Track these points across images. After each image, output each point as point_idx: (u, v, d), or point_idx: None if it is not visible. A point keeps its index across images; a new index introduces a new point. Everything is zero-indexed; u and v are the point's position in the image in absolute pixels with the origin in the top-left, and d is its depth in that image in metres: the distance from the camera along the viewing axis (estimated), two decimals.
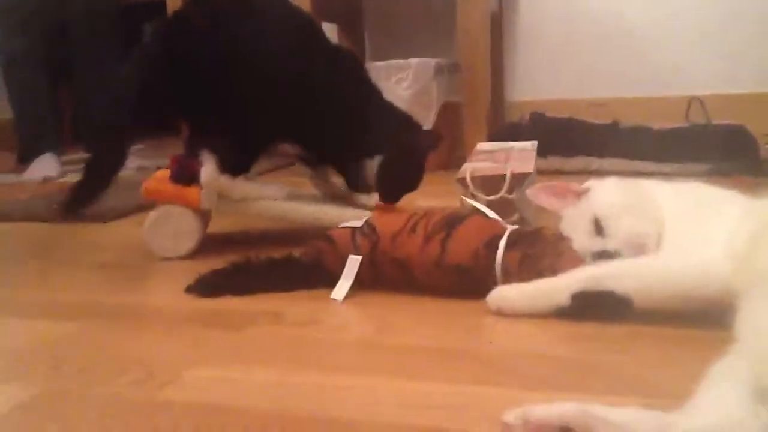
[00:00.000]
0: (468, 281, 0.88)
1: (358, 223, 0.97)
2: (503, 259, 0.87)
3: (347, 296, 0.92)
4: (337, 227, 1.00)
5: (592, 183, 0.95)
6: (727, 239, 0.75)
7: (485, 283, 0.86)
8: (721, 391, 0.50)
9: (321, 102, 1.20)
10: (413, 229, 0.92)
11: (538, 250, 0.86)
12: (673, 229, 0.84)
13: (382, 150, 1.25)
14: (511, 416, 0.53)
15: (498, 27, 2.42)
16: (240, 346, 0.79)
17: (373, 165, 1.26)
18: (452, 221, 0.92)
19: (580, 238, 0.88)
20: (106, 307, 0.97)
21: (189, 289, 0.98)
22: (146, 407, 0.64)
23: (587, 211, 0.90)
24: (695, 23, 2.32)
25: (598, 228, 0.87)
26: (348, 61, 1.31)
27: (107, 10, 2.55)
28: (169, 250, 1.18)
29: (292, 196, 1.26)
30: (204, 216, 1.24)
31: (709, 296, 0.73)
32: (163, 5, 2.24)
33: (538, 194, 0.98)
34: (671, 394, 0.54)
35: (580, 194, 0.94)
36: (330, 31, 2.45)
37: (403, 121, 1.31)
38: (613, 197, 0.91)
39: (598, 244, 0.86)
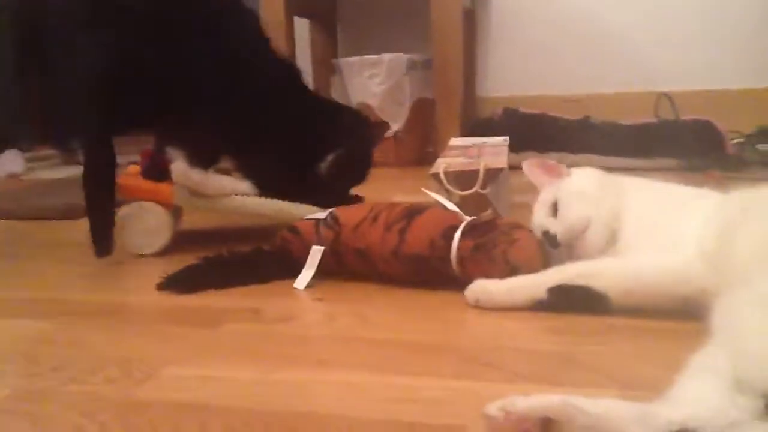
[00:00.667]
0: (425, 270, 0.91)
1: (323, 215, 0.99)
2: (458, 248, 0.88)
3: (326, 291, 0.92)
4: (303, 219, 1.02)
5: (575, 170, 0.96)
6: (699, 236, 0.76)
7: (442, 272, 0.89)
8: (700, 381, 0.51)
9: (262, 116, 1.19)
10: (375, 219, 0.95)
11: (491, 239, 0.88)
12: (646, 226, 0.85)
13: (332, 150, 1.25)
14: (493, 409, 0.53)
15: (471, 23, 2.43)
16: (218, 343, 0.78)
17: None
18: (412, 212, 0.94)
19: (538, 215, 0.92)
20: (79, 305, 0.96)
21: (160, 287, 0.97)
22: (123, 406, 0.63)
23: (552, 193, 0.92)
24: (666, 21, 2.36)
25: (554, 209, 0.90)
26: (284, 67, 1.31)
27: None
28: (142, 247, 1.17)
29: None
30: (176, 212, 1.23)
31: (683, 296, 0.75)
32: None
33: (532, 168, 0.98)
34: (650, 386, 0.54)
35: (562, 176, 0.95)
36: (303, 26, 2.44)
37: (350, 116, 1.32)
38: (577, 185, 0.92)
39: (546, 224, 0.89)
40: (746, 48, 2.31)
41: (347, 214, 0.98)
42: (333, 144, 1.26)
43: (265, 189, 1.20)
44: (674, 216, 0.83)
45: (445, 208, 0.98)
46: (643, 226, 0.85)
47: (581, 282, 0.79)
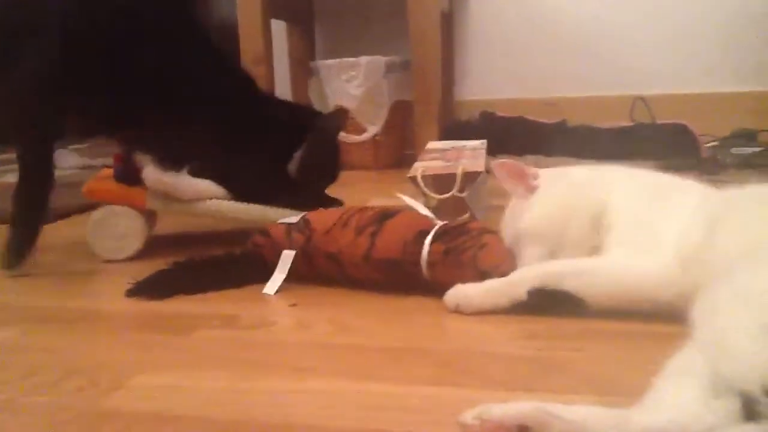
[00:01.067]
0: (396, 274, 0.90)
1: (295, 219, 0.99)
2: (429, 253, 0.88)
3: (301, 297, 0.91)
4: (276, 223, 1.01)
5: (544, 176, 0.94)
6: (680, 236, 0.76)
7: (412, 276, 0.89)
8: (677, 385, 0.50)
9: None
10: (346, 223, 0.94)
11: (461, 243, 0.87)
12: (630, 222, 0.85)
13: (297, 147, 1.23)
14: (468, 417, 0.53)
15: (449, 26, 2.43)
16: (190, 350, 0.77)
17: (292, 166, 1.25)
18: (384, 216, 0.94)
19: (506, 236, 0.93)
20: (48, 312, 0.93)
21: (130, 293, 0.96)
22: (91, 416, 0.61)
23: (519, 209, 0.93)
24: (642, 26, 2.37)
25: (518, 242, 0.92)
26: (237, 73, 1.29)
27: None
28: (113, 252, 1.15)
29: None
30: (150, 216, 1.21)
31: (661, 300, 0.74)
32: None
33: (501, 170, 0.96)
34: (626, 391, 0.54)
35: (530, 188, 0.93)
36: (280, 28, 2.42)
37: (306, 113, 1.31)
38: (534, 213, 0.91)
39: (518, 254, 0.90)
40: (722, 52, 2.34)
41: (319, 218, 0.98)
42: (297, 142, 1.24)
43: (237, 193, 1.18)
44: (657, 212, 0.83)
45: (417, 212, 0.98)
46: (626, 221, 0.84)
47: (560, 284, 0.79)
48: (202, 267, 1.01)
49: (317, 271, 0.96)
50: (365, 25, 2.51)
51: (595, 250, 0.84)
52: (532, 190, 0.93)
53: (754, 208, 0.74)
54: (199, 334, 0.81)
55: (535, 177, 0.94)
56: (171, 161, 1.13)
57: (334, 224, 0.94)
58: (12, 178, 1.15)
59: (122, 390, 0.66)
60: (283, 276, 0.94)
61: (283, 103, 1.35)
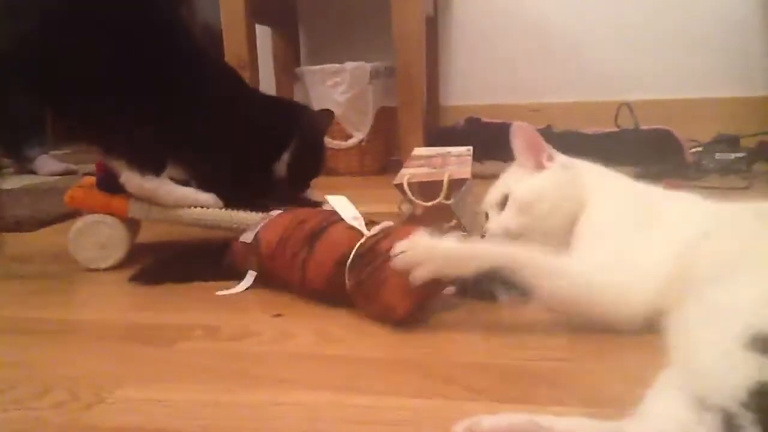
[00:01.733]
0: (330, 298, 0.90)
1: (251, 237, 0.99)
2: (347, 283, 0.86)
3: (285, 307, 0.90)
4: (237, 240, 1.02)
5: (558, 160, 0.93)
6: (659, 257, 0.75)
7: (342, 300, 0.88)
8: (668, 398, 0.50)
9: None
10: (284, 246, 0.94)
11: (368, 275, 0.83)
12: (604, 227, 0.84)
13: (287, 147, 1.23)
14: (459, 429, 0.52)
15: (433, 31, 2.43)
16: (172, 362, 0.75)
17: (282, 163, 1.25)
18: (313, 236, 0.92)
19: (491, 196, 0.96)
20: (26, 323, 0.91)
21: (134, 278, 1.04)
22: None
23: (507, 186, 0.94)
24: (627, 31, 2.39)
25: (503, 203, 0.93)
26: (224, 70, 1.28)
27: None
28: (95, 261, 1.13)
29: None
30: (133, 225, 1.19)
31: (615, 318, 0.74)
32: None
33: (518, 132, 0.95)
34: (615, 402, 0.53)
35: (540, 166, 0.93)
36: (265, 34, 2.41)
37: (293, 109, 1.30)
38: (535, 188, 0.91)
39: (491, 216, 0.95)
40: (705, 58, 2.35)
41: (266, 240, 0.97)
42: (285, 140, 1.24)
43: (222, 195, 1.17)
44: (636, 227, 0.82)
45: (344, 225, 0.92)
46: (603, 230, 0.83)
47: (518, 272, 0.75)
48: (195, 257, 1.07)
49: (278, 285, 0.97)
50: (350, 31, 2.50)
51: (564, 242, 0.84)
52: (540, 168, 0.93)
53: (733, 230, 0.74)
54: (181, 346, 0.80)
55: (550, 158, 0.93)
56: (149, 166, 1.11)
57: (276, 248, 0.95)
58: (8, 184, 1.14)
59: (103, 404, 0.65)
60: (242, 289, 0.98)
61: (270, 100, 1.34)
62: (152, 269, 1.07)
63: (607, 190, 0.90)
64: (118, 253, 1.14)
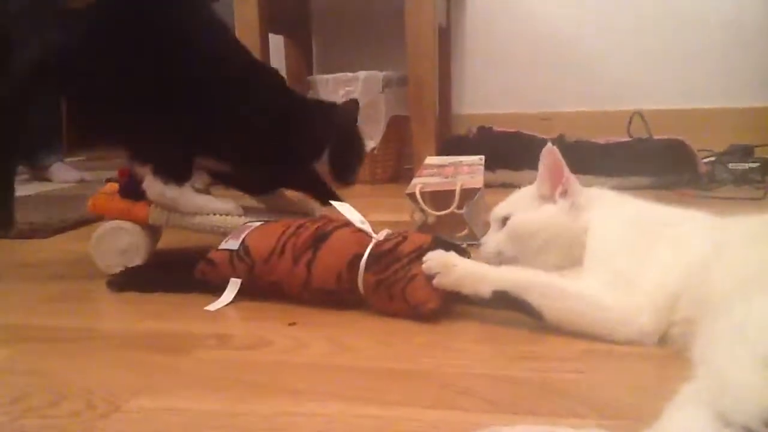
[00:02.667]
0: (336, 300, 0.92)
1: (236, 245, 0.97)
2: (363, 283, 0.89)
3: (299, 315, 0.90)
4: (218, 249, 1.00)
5: (576, 200, 0.92)
6: (661, 278, 0.75)
7: (353, 300, 0.90)
8: (688, 412, 0.50)
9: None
10: (282, 251, 0.94)
11: (392, 274, 0.87)
12: (609, 251, 0.84)
13: (327, 144, 1.24)
14: None
15: (446, 41, 2.44)
16: (186, 372, 0.76)
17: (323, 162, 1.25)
18: (318, 239, 0.93)
19: (498, 210, 0.99)
20: (42, 331, 0.92)
21: (111, 285, 1.04)
22: None
23: (509, 209, 0.97)
24: (638, 41, 2.38)
25: (504, 222, 0.96)
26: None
27: None
28: (116, 267, 1.13)
29: (247, 210, 1.22)
30: (153, 231, 1.20)
31: (618, 339, 0.75)
32: None
33: (546, 156, 0.95)
34: (629, 414, 0.53)
35: (551, 198, 0.94)
36: (278, 43, 2.42)
37: (325, 107, 1.31)
38: (531, 224, 0.93)
39: (489, 232, 0.99)
40: (719, 68, 2.35)
41: (258, 245, 0.97)
42: (325, 139, 1.25)
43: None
44: (641, 248, 0.81)
45: (353, 228, 0.95)
46: (606, 253, 0.84)
47: (525, 296, 0.79)
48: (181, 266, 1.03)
49: (265, 292, 0.96)
50: (363, 40, 2.51)
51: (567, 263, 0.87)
52: (550, 200, 0.93)
53: (749, 242, 0.73)
54: (195, 355, 0.80)
55: (564, 194, 0.93)
56: (173, 174, 1.12)
57: (272, 252, 0.94)
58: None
59: (118, 414, 0.65)
60: (230, 299, 0.96)
61: (303, 100, 1.34)
62: (129, 276, 1.08)
63: (612, 215, 0.89)
64: (137, 259, 1.14)
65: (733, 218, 0.80)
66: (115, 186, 1.19)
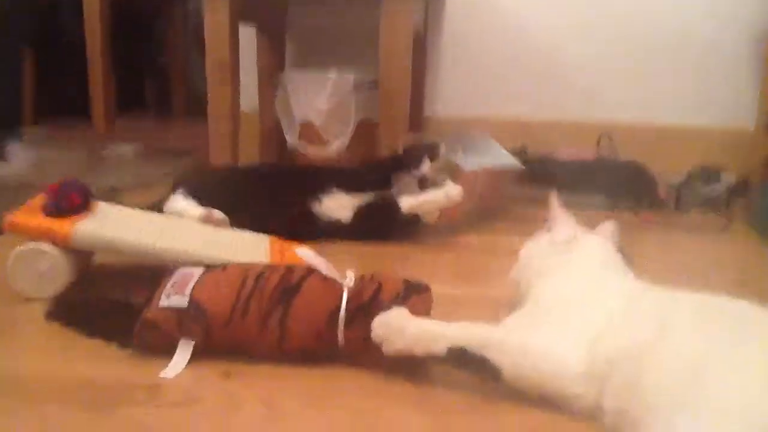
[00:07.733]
0: (314, 357, 0.87)
1: (183, 301, 0.86)
2: (346, 339, 0.84)
3: (234, 363, 0.86)
4: (156, 308, 0.87)
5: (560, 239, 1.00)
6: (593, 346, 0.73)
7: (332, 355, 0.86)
8: None
9: None
10: (246, 309, 0.85)
11: None
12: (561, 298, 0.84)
13: None
14: None
15: (422, 46, 2.39)
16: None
17: None
18: (286, 292, 0.87)
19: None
20: None
21: (49, 316, 0.96)
22: None
23: None
24: (613, 53, 2.36)
25: None
26: None
27: None
28: (34, 292, 1.06)
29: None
30: (79, 254, 1.12)
31: (570, 397, 0.72)
32: None
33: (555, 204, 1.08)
34: None
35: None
36: (248, 33, 2.35)
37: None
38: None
39: None
40: (691, 86, 2.34)
41: (212, 301, 0.86)
42: None
43: None
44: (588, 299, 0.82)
45: (321, 277, 0.90)
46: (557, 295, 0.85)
47: (482, 353, 0.75)
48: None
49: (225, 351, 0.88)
50: (337, 40, 2.46)
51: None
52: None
53: (693, 330, 0.70)
54: (120, 412, 0.76)
55: (548, 229, 1.04)
56: None
57: (233, 311, 0.85)
58: None
59: None
60: (185, 361, 0.85)
61: None
62: (70, 310, 0.98)
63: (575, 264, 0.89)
64: (56, 285, 1.07)
65: (683, 295, 0.78)
66: (41, 201, 1.11)
